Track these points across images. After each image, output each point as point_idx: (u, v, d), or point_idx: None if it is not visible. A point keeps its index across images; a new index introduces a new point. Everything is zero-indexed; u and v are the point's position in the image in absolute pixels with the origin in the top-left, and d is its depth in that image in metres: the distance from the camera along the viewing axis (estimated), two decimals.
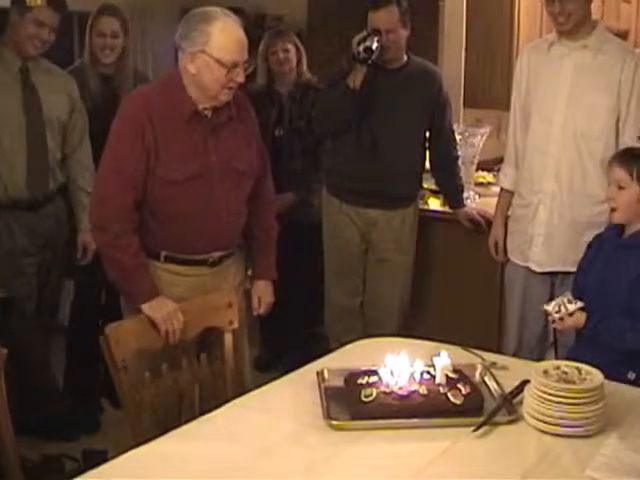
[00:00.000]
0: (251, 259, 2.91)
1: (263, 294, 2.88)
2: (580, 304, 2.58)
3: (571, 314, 2.57)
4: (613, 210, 2.71)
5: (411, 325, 3.70)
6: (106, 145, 2.61)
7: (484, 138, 4.11)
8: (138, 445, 1.97)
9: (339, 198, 3.72)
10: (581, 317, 2.59)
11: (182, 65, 2.58)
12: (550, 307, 2.60)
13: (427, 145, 3.73)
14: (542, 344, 3.35)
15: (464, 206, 3.86)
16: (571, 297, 2.62)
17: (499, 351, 2.72)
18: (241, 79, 2.57)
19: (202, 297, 2.64)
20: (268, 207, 2.90)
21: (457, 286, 4.00)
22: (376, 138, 3.57)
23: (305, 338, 4.10)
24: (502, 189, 3.48)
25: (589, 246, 2.86)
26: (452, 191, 3.86)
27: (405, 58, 3.62)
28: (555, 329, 2.87)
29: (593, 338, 2.57)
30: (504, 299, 3.48)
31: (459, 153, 3.88)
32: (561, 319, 2.58)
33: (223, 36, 2.51)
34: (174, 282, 2.68)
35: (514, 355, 3.12)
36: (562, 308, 2.56)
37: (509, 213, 3.43)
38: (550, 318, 2.63)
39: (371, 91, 3.50)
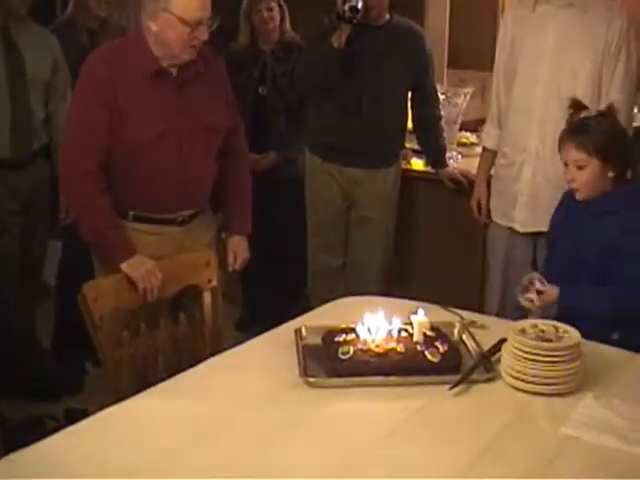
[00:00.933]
0: (225, 214, 2.89)
1: (238, 249, 2.86)
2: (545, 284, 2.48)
3: (540, 292, 2.47)
4: (576, 190, 2.61)
5: (393, 285, 3.69)
6: (70, 106, 2.60)
7: (467, 98, 4.08)
8: (116, 402, 1.96)
9: (321, 157, 3.69)
10: (551, 294, 2.48)
11: (144, 23, 2.54)
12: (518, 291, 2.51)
13: (410, 104, 3.71)
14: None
15: (447, 166, 3.84)
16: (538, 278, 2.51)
17: (482, 311, 2.69)
18: (205, 36, 2.52)
19: (180, 255, 2.62)
20: (240, 161, 2.87)
21: (440, 246, 3.99)
22: (359, 96, 3.54)
23: (288, 298, 4.09)
24: (484, 148, 3.45)
25: (560, 202, 2.83)
26: (435, 151, 3.84)
27: (387, 16, 3.58)
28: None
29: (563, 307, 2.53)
30: (487, 260, 3.46)
31: (442, 113, 3.86)
32: (531, 300, 2.47)
33: None
34: (143, 241, 2.65)
35: (497, 316, 3.10)
36: (531, 289, 2.47)
37: (492, 173, 3.41)
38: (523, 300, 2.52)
39: (354, 49, 3.46)
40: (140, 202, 2.64)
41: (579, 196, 2.64)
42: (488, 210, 3.40)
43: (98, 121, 2.52)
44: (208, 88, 2.67)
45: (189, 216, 2.73)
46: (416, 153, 4.03)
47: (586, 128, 2.61)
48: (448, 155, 3.89)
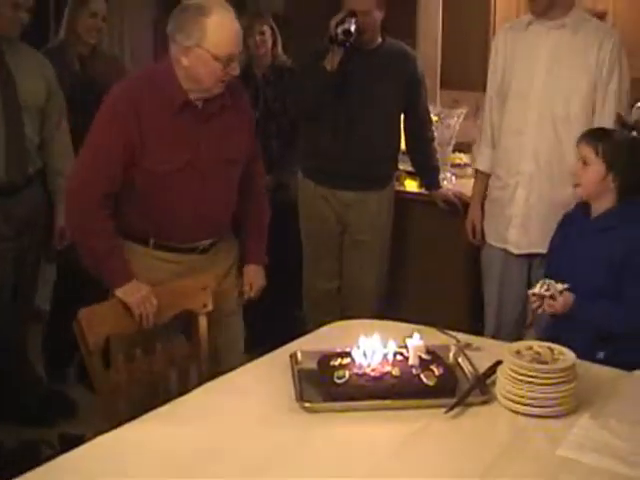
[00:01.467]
0: (242, 243, 2.90)
1: (254, 278, 2.86)
2: (567, 285, 2.54)
3: (561, 292, 2.52)
4: (577, 185, 2.71)
5: (388, 308, 3.70)
6: (87, 136, 2.57)
7: (460, 119, 4.10)
8: (112, 429, 1.96)
9: (314, 180, 3.71)
10: (569, 297, 2.54)
11: (174, 56, 2.52)
12: (537, 289, 2.54)
13: (403, 126, 3.73)
14: (520, 327, 3.36)
15: (440, 187, 3.86)
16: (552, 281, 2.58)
17: (477, 333, 2.70)
18: (236, 72, 2.52)
19: (176, 281, 2.63)
20: (259, 191, 2.89)
21: (434, 268, 4.00)
22: (351, 119, 3.56)
23: (287, 322, 4.09)
24: (478, 171, 3.46)
25: (559, 225, 2.86)
26: (428, 172, 3.86)
27: (380, 39, 3.61)
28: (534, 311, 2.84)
29: (573, 318, 2.55)
30: (482, 281, 3.47)
31: (435, 134, 3.88)
32: (552, 297, 2.51)
33: (220, 30, 2.45)
34: (164, 268, 2.67)
35: (493, 337, 3.11)
36: (551, 287, 2.53)
37: (487, 194, 3.41)
38: (534, 299, 2.56)
39: (347, 72, 3.48)
40: (160, 230, 2.65)
41: (578, 193, 2.72)
42: (482, 232, 3.42)
43: (113, 154, 2.51)
44: (233, 119, 2.67)
45: (209, 244, 2.74)
46: (409, 175, 4.05)
47: (607, 132, 2.74)
48: (442, 176, 3.91)
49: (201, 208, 2.63)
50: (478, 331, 3.03)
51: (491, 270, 3.37)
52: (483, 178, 3.41)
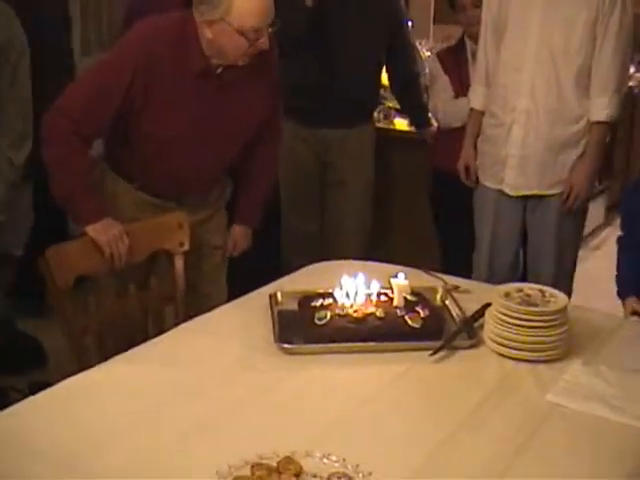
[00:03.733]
0: (235, 199, 2.91)
1: (239, 240, 2.89)
2: None
3: None
4: None
5: (372, 251, 3.70)
6: (96, 64, 2.54)
7: None
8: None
9: (292, 120, 3.67)
10: None
11: (198, 25, 2.45)
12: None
13: (386, 62, 3.74)
14: (513, 273, 3.36)
15: (430, 125, 3.85)
16: None
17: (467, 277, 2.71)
18: (265, 46, 2.44)
19: (151, 218, 2.61)
20: (268, 156, 2.87)
21: (422, 210, 4.00)
22: (331, 54, 3.55)
23: (266, 267, 4.08)
24: (472, 109, 3.43)
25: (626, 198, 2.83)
26: (415, 109, 3.86)
27: None
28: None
29: None
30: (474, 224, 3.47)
31: (426, 70, 3.87)
32: None
33: (247, 2, 2.37)
34: (148, 204, 2.70)
35: (486, 282, 3.10)
36: None
37: (481, 132, 3.38)
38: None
39: (326, 8, 3.47)
40: (145, 179, 2.67)
41: None
42: (475, 173, 3.41)
43: (111, 97, 2.47)
44: (253, 87, 2.61)
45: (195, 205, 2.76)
46: (399, 112, 4.04)
47: None
48: (429, 114, 3.91)
49: (194, 170, 2.65)
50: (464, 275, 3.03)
51: (484, 212, 3.36)
52: (477, 117, 3.38)
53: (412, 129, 3.94)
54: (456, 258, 3.53)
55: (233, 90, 2.58)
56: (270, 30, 2.44)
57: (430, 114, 3.87)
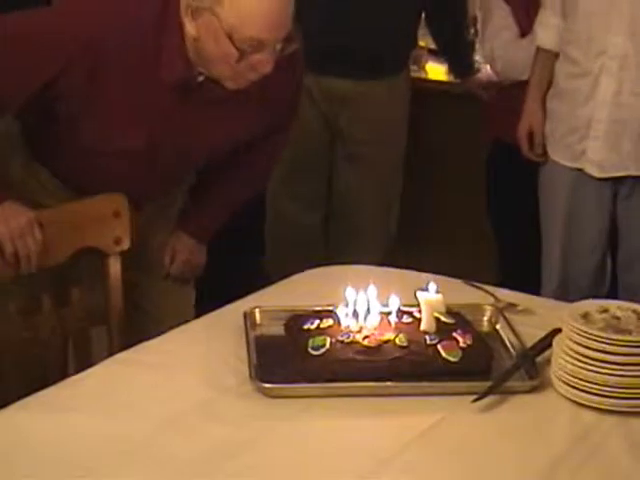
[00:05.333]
0: (191, 195, 2.99)
1: (180, 250, 2.96)
2: None
3: None
4: None
5: (396, 255, 3.73)
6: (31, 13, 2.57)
7: None
8: None
9: None
10: None
11: (182, 13, 2.47)
12: None
13: None
14: (597, 284, 3.40)
15: (478, 72, 3.92)
16: None
17: (530, 290, 2.72)
18: (264, 68, 2.43)
19: (75, 203, 2.64)
20: (252, 162, 2.92)
21: (467, 195, 4.06)
22: None
23: (243, 272, 4.12)
24: (539, 49, 3.45)
25: None
26: (459, 51, 3.94)
27: None
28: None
29: None
30: (540, 216, 3.51)
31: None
32: None
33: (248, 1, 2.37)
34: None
35: (555, 297, 3.12)
36: None
37: (553, 85, 3.42)
38: None
39: None
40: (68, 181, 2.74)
41: None
42: (544, 143, 3.43)
43: (40, 67, 2.50)
44: (246, 104, 2.64)
45: None
46: (434, 54, 4.11)
47: None
48: (477, 58, 3.97)
49: (141, 187, 2.73)
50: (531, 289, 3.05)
51: (556, 200, 3.39)
52: (547, 61, 3.39)
53: (452, 79, 4.02)
54: (519, 265, 3.55)
55: (216, 107, 2.62)
56: (280, 49, 2.43)
57: (482, 60, 3.91)
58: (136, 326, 2.65)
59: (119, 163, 2.64)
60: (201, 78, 2.55)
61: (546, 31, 3.39)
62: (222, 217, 3.00)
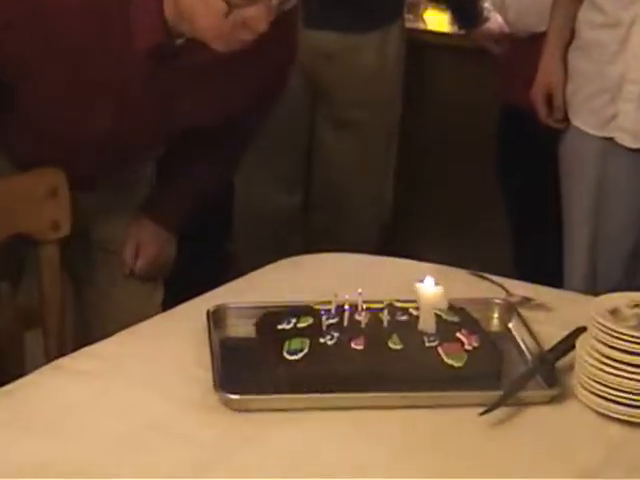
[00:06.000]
0: (156, 177, 3.04)
1: (145, 241, 2.99)
2: None
3: None
4: None
5: (390, 241, 3.73)
6: None
7: None
8: None
9: None
10: None
11: None
12: None
13: None
14: (630, 275, 3.40)
15: (487, 20, 3.94)
16: None
17: (548, 282, 2.72)
18: (260, 26, 2.41)
19: (2, 179, 2.65)
20: (225, 143, 2.96)
21: (473, 167, 4.10)
22: None
23: (207, 263, 4.13)
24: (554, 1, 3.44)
25: None
26: None
27: None
28: None
29: None
30: (561, 194, 3.51)
31: None
32: None
33: None
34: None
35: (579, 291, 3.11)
36: None
37: (575, 37, 3.41)
38: None
39: None
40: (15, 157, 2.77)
41: None
42: (565, 107, 3.43)
43: None
44: (231, 70, 2.65)
45: None
46: (434, 1, 4.12)
47: None
48: (487, 5, 3.98)
49: (100, 167, 2.80)
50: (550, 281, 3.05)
51: (580, 175, 3.40)
52: (570, 6, 3.38)
53: (456, 30, 4.04)
54: (535, 252, 3.56)
55: (193, 78, 2.63)
56: (277, 2, 2.41)
57: (491, 7, 3.92)
58: (80, 326, 2.65)
59: (74, 148, 2.69)
60: (180, 41, 2.55)
61: None
62: (191, 201, 3.03)
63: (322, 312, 2.18)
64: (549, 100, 3.43)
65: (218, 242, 4.17)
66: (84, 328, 2.93)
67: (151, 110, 2.65)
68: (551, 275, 3.05)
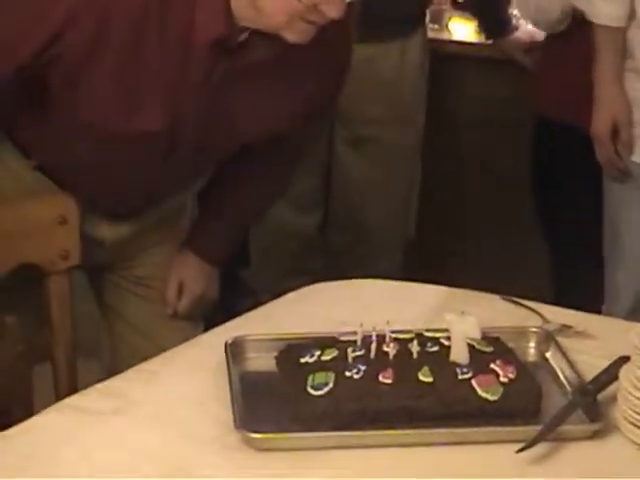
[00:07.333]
0: (200, 207, 3.05)
1: (190, 279, 2.99)
2: None
3: None
4: None
5: (415, 266, 3.72)
6: None
7: None
8: None
9: None
10: None
11: None
12: None
13: None
14: None
15: (516, 29, 3.96)
16: None
17: (588, 308, 2.70)
18: (335, 11, 2.38)
19: (6, 207, 2.63)
20: (275, 163, 2.95)
21: (507, 187, 4.08)
22: None
23: (224, 291, 4.14)
24: (602, 27, 3.37)
25: None
26: (490, 3, 3.97)
27: None
28: None
29: None
30: (606, 221, 3.51)
31: None
32: None
33: None
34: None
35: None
36: None
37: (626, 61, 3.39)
38: None
39: None
40: (56, 175, 2.75)
41: None
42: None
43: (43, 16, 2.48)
44: (294, 69, 2.63)
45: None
46: (459, 7, 4.13)
47: None
48: (515, 11, 4.00)
49: (143, 183, 2.76)
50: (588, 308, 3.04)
51: (631, 206, 3.40)
52: (617, 36, 3.34)
53: (483, 40, 4.05)
54: (575, 276, 3.55)
55: (253, 77, 2.61)
56: None
57: (520, 14, 3.93)
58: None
59: (128, 149, 2.66)
60: (243, 36, 2.53)
61: (611, 3, 3.32)
62: (239, 232, 3.08)
63: (347, 343, 2.17)
64: (615, 134, 3.39)
65: (234, 266, 4.15)
66: (113, 365, 2.93)
67: (204, 114, 2.62)
68: (590, 300, 3.03)
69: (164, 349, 2.59)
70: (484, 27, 4.04)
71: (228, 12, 2.47)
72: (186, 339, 2.68)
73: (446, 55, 4.01)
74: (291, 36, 2.45)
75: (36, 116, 2.66)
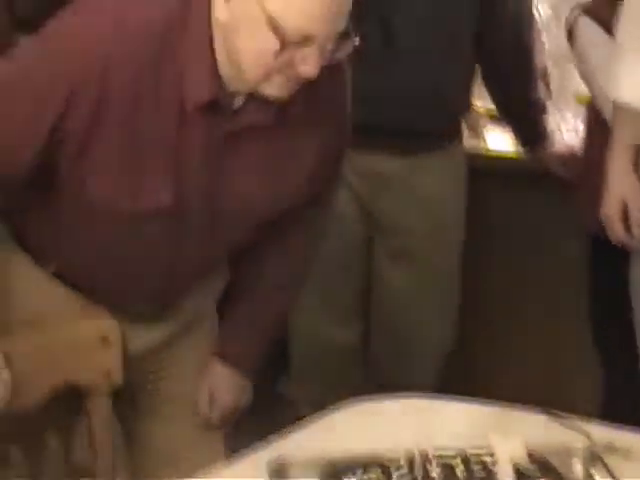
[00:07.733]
0: (223, 313, 3.00)
1: (219, 388, 2.94)
2: None
3: None
4: None
5: (456, 380, 3.72)
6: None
7: None
8: None
9: None
10: None
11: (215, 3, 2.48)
12: None
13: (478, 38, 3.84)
14: None
15: (550, 140, 3.93)
16: None
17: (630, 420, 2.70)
18: (308, 70, 2.40)
19: (52, 327, 2.64)
20: (293, 244, 2.94)
21: (543, 298, 4.06)
22: (391, 35, 3.67)
23: (261, 404, 4.13)
24: (621, 107, 3.40)
25: None
26: (526, 115, 3.93)
27: None
28: None
29: None
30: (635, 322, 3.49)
31: (546, 46, 4.01)
32: None
33: None
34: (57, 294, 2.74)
35: None
36: None
37: None
38: None
39: None
40: (71, 274, 2.73)
41: None
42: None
43: (28, 121, 2.52)
44: (297, 135, 2.65)
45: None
46: (495, 120, 4.14)
47: None
48: (552, 119, 3.98)
49: (151, 271, 2.72)
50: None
51: None
52: (635, 118, 3.36)
53: (520, 150, 4.03)
54: (626, 391, 3.55)
55: (246, 143, 2.61)
56: (330, 49, 2.43)
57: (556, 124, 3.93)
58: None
59: (134, 229, 2.62)
60: (239, 101, 2.55)
61: (634, 83, 3.33)
62: (268, 335, 2.99)
63: (392, 464, 2.16)
64: (625, 216, 3.39)
65: (272, 377, 4.15)
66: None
67: (209, 183, 2.61)
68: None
69: (190, 460, 2.67)
70: (519, 136, 4.02)
71: (216, 74, 2.49)
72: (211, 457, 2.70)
73: (483, 166, 4.00)
74: (270, 90, 2.47)
75: (46, 204, 2.65)
